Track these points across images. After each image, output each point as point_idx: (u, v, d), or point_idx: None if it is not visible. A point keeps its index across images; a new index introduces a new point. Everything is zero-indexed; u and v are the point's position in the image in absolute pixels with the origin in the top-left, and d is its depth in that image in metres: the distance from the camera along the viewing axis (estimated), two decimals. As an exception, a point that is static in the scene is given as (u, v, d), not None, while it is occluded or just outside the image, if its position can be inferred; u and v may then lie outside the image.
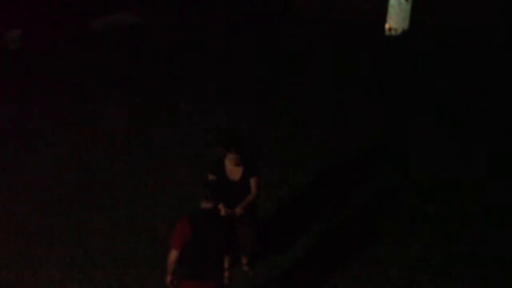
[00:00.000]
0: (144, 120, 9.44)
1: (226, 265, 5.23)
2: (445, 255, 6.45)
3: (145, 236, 6.77)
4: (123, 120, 9.45)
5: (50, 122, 9.36)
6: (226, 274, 5.73)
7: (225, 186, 5.70)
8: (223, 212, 5.72)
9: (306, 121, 9.09)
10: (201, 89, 10.47)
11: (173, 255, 4.96)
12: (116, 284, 6.12)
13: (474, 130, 8.98)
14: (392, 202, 7.36)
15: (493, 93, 10.11)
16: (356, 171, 8.02)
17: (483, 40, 11.93)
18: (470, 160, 8.23)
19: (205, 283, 4.96)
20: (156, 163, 8.22)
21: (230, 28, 13.06)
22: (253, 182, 5.85)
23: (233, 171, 5.81)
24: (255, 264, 6.30)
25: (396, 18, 12.94)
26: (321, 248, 6.59)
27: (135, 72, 11.20)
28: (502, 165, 8.10)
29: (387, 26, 12.96)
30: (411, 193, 7.52)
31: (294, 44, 12.14)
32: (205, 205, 4.91)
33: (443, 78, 10.71)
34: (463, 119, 9.31)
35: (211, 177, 5.85)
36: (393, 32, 12.93)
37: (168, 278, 5.06)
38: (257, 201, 5.98)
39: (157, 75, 11.08)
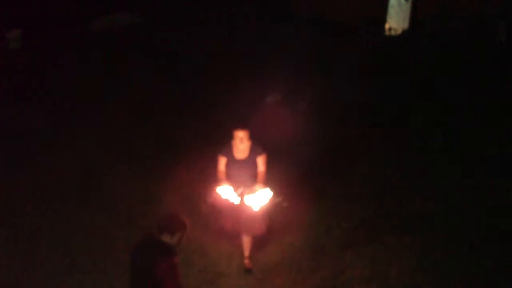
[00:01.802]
0: (144, 120, 9.46)
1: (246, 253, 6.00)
2: (445, 255, 6.45)
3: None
4: (123, 119, 9.46)
5: (50, 122, 9.36)
6: (246, 260, 6.19)
7: (233, 166, 5.95)
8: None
9: (305, 120, 9.08)
10: (201, 89, 10.49)
11: None
12: (116, 284, 6.11)
13: (474, 130, 8.99)
14: (392, 201, 7.36)
15: (493, 93, 10.11)
16: (356, 171, 8.02)
17: (483, 40, 11.95)
18: (470, 160, 8.24)
19: None
20: (156, 163, 8.23)
21: (230, 27, 13.08)
22: (260, 160, 6.00)
23: (240, 150, 5.98)
24: (255, 260, 6.31)
25: (396, 18, 12.97)
26: (321, 248, 6.59)
27: (135, 72, 11.21)
28: (502, 165, 8.11)
29: (387, 26, 12.98)
30: (411, 193, 7.52)
31: (294, 44, 12.15)
32: (167, 239, 4.58)
33: (443, 78, 10.72)
34: (464, 119, 9.32)
35: (220, 157, 6.02)
36: (393, 32, 12.95)
37: None
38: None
39: (157, 74, 11.10)
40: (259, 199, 5.87)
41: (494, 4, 12.18)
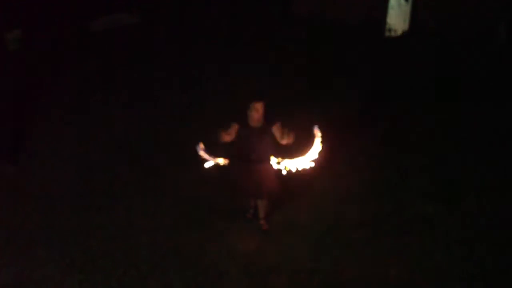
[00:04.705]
0: (144, 120, 9.45)
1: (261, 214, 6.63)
2: (445, 255, 6.45)
3: (145, 236, 6.77)
4: (123, 120, 9.46)
5: (50, 122, 9.36)
6: (262, 221, 6.77)
7: (247, 134, 6.30)
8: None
9: (305, 120, 9.07)
10: (201, 89, 10.49)
11: None
12: (116, 284, 6.12)
13: (474, 130, 8.98)
14: (392, 202, 7.36)
15: (493, 93, 10.11)
16: (356, 171, 8.02)
17: (483, 40, 11.94)
18: (470, 160, 8.23)
19: None
20: (156, 163, 8.23)
21: (230, 28, 13.08)
22: (276, 129, 6.30)
23: (255, 120, 6.31)
24: (255, 260, 6.31)
25: (396, 19, 12.96)
26: (321, 248, 6.59)
27: (135, 72, 11.21)
28: (502, 165, 8.10)
29: (387, 27, 12.98)
30: (411, 193, 7.51)
31: (294, 44, 12.14)
32: None
33: (443, 78, 10.71)
34: (463, 119, 9.32)
35: (233, 125, 6.31)
36: (393, 33, 12.95)
37: None
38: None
39: (157, 75, 11.09)
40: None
41: (494, 4, 12.17)
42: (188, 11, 13.95)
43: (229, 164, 6.53)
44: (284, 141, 6.30)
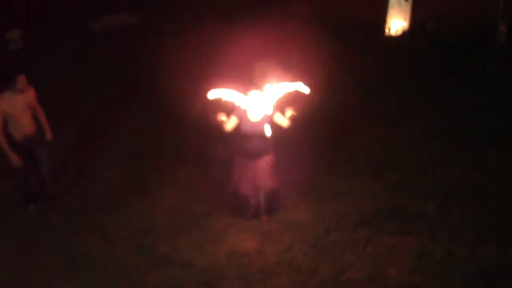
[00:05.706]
0: (144, 120, 9.46)
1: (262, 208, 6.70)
2: (445, 255, 6.45)
3: (145, 236, 6.77)
4: (123, 120, 9.46)
5: (49, 122, 9.35)
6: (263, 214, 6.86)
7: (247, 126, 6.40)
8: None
9: (306, 121, 9.07)
10: (201, 89, 10.46)
11: None
12: (116, 284, 6.12)
13: (474, 130, 8.98)
14: (393, 201, 7.36)
15: (493, 93, 10.10)
16: (356, 172, 8.02)
17: (483, 40, 11.94)
18: (470, 160, 8.23)
19: None
20: (156, 163, 8.23)
21: (229, 27, 13.07)
22: (278, 117, 6.45)
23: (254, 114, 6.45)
24: (255, 261, 6.31)
25: (396, 19, 12.97)
26: (321, 248, 6.59)
27: (135, 73, 11.22)
28: (502, 165, 8.10)
29: (387, 26, 12.99)
30: (411, 193, 7.51)
31: (293, 44, 12.13)
32: None
33: (443, 78, 10.71)
34: (463, 119, 9.31)
35: (233, 118, 6.45)
36: (393, 33, 12.96)
37: None
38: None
39: (157, 75, 11.08)
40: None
41: (494, 4, 12.18)
42: (188, 12, 13.95)
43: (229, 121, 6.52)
44: (287, 125, 6.43)
